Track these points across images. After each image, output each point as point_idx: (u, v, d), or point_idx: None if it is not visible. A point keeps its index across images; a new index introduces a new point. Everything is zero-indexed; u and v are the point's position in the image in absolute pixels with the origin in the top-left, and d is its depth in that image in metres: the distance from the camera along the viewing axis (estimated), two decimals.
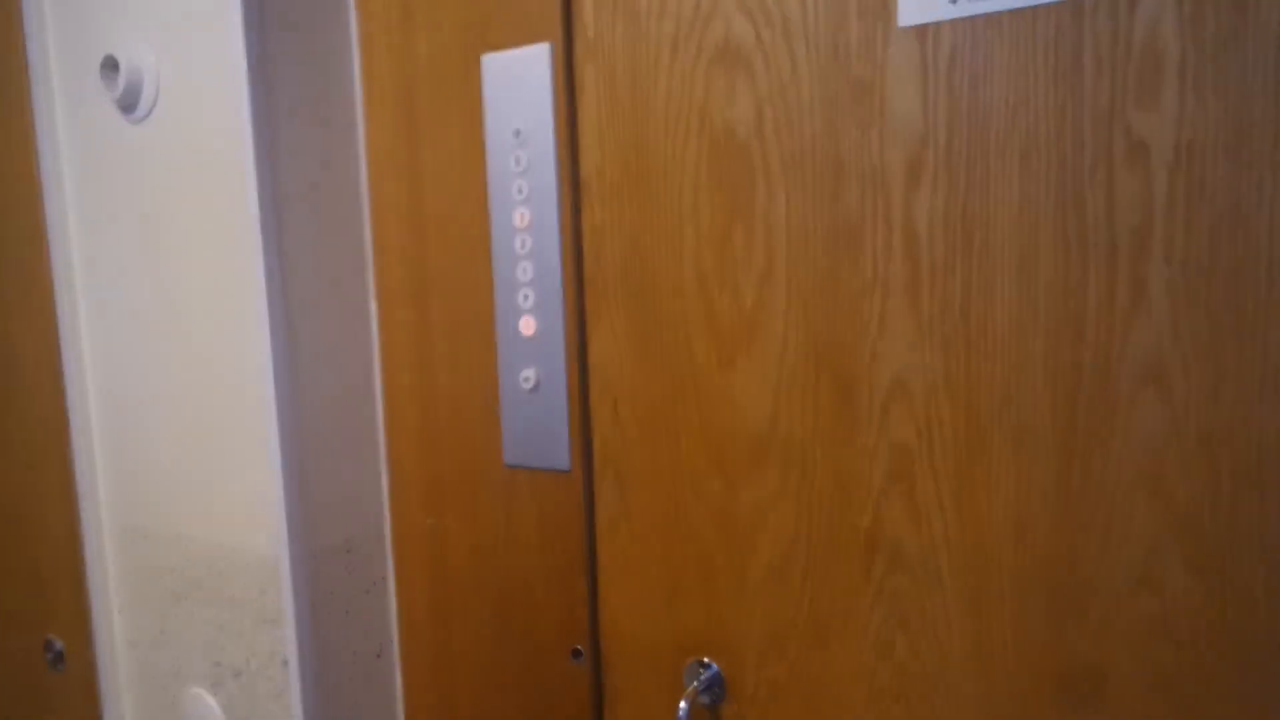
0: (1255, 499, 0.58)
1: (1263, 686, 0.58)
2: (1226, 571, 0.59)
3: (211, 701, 1.01)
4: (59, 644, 1.16)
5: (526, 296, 0.87)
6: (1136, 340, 0.60)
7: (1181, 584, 0.60)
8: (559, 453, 0.87)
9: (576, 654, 0.89)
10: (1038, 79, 0.62)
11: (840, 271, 0.71)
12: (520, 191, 0.85)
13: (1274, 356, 0.56)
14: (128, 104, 0.96)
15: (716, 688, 0.81)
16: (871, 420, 0.71)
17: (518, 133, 0.84)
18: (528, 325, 0.87)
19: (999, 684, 0.68)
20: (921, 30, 0.65)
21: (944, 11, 0.65)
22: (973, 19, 0.64)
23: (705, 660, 0.81)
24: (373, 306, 0.98)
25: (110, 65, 0.96)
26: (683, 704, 0.79)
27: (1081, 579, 0.64)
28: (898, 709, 0.72)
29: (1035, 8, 0.62)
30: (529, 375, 0.87)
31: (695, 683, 0.81)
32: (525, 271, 0.86)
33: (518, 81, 0.84)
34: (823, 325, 0.72)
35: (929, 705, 0.71)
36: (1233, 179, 0.57)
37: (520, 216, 0.86)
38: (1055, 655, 0.65)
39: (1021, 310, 0.64)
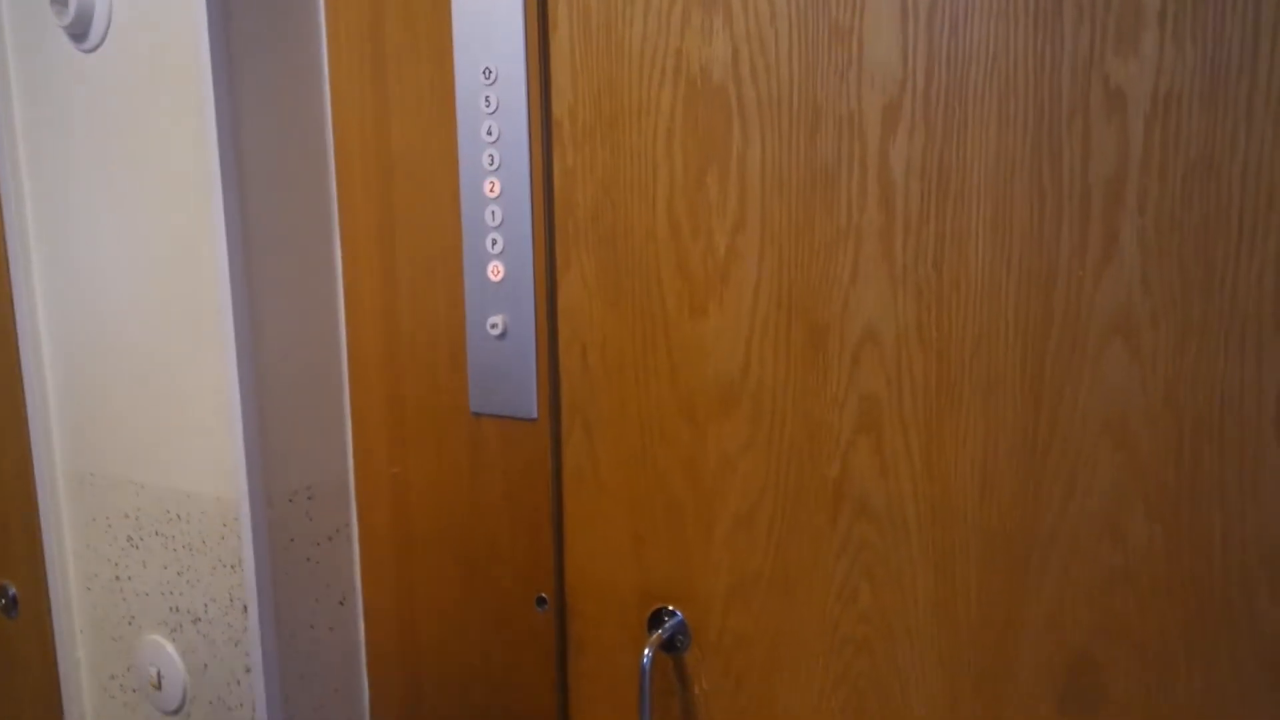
0: (1216, 449, 0.59)
1: (1217, 631, 0.60)
2: (1186, 521, 0.60)
3: (169, 647, 1.01)
4: (12, 589, 1.15)
5: (495, 241, 0.86)
6: (1107, 291, 0.61)
7: (1144, 534, 0.62)
8: (526, 401, 0.87)
9: (541, 602, 0.89)
10: (1017, 25, 0.62)
11: (814, 219, 0.71)
12: (490, 133, 0.84)
13: (1240, 308, 0.57)
14: (78, 32, 0.93)
15: (681, 636, 0.82)
16: (842, 370, 0.71)
17: (488, 72, 0.83)
18: (496, 271, 0.86)
19: (962, 634, 0.69)
20: None
21: None
22: None
23: (670, 609, 0.82)
24: (337, 249, 0.96)
25: None
26: (646, 651, 0.79)
27: (1046, 529, 0.65)
28: (861, 658, 0.74)
29: None
30: (496, 322, 0.87)
31: (659, 631, 0.82)
32: (494, 216, 0.85)
33: (488, 18, 0.82)
34: (796, 273, 0.72)
35: (892, 654, 0.72)
36: (1207, 129, 0.57)
37: (490, 159, 0.84)
38: (1019, 606, 0.67)
39: (994, 260, 0.65)
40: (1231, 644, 0.60)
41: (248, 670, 0.96)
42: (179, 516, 0.98)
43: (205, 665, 0.99)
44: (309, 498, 0.97)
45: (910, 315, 0.68)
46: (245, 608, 0.95)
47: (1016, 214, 0.63)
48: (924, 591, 0.70)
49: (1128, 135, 0.59)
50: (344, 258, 0.96)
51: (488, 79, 0.83)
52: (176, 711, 1.03)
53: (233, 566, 0.95)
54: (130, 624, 1.04)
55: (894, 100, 0.66)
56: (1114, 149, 0.60)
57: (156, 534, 1.00)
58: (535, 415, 0.87)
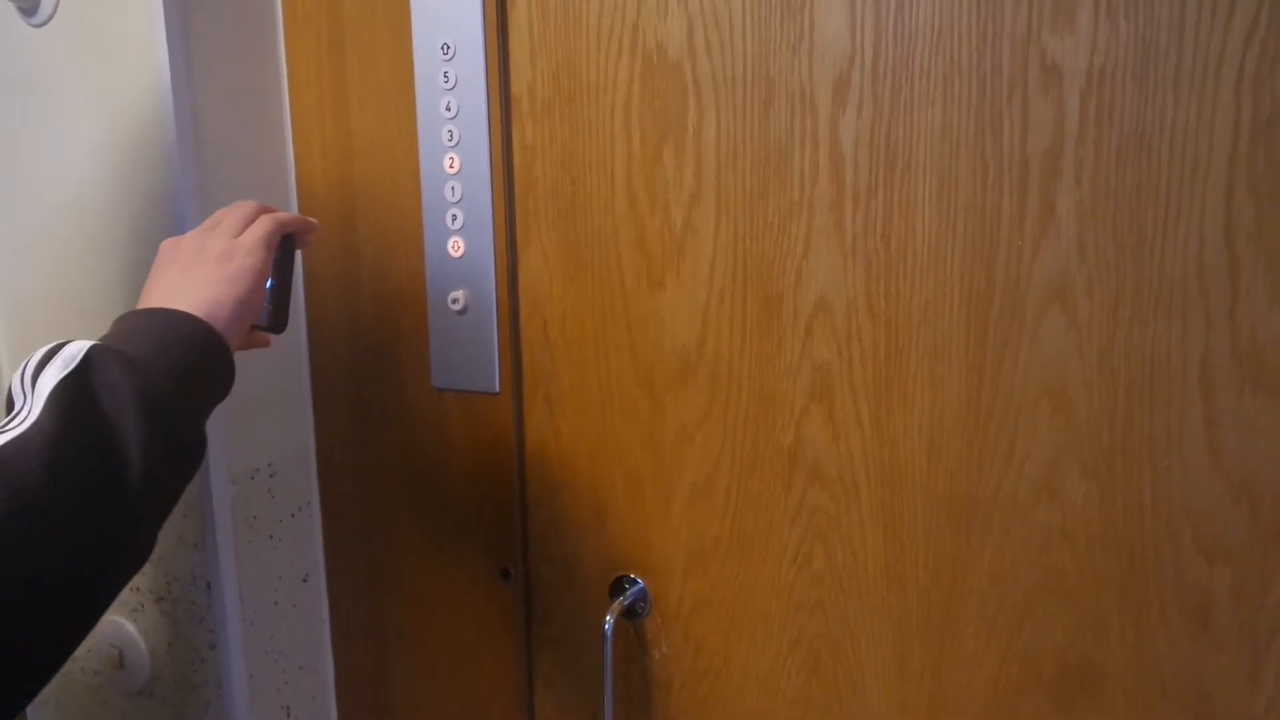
0: (1146, 410, 0.63)
1: (1146, 582, 0.64)
2: (1119, 479, 0.64)
3: (130, 627, 1.02)
4: None
5: (455, 217, 0.88)
6: (1045, 260, 0.65)
7: (1080, 492, 0.66)
8: (488, 375, 0.90)
9: (506, 574, 0.92)
10: (961, 2, 0.65)
11: (768, 192, 0.74)
12: (449, 109, 0.86)
13: (1168, 274, 0.61)
14: (27, 5, 0.94)
15: (641, 603, 0.85)
16: (796, 340, 0.75)
17: (446, 47, 0.85)
18: (456, 246, 0.89)
19: (910, 594, 0.73)
20: None
21: None
22: None
23: (631, 577, 0.86)
24: None
25: None
26: (608, 619, 0.83)
27: (988, 490, 0.69)
28: (815, 620, 0.78)
29: None
30: (458, 297, 0.89)
31: (621, 599, 0.85)
32: (454, 191, 0.88)
33: None
34: (751, 246, 0.75)
35: (844, 615, 0.76)
36: (1139, 103, 0.61)
37: (449, 134, 0.87)
38: (963, 565, 0.71)
39: (940, 232, 0.68)
40: (1160, 594, 0.64)
41: (213, 648, 0.98)
42: None
43: (169, 644, 1.01)
44: (271, 475, 0.99)
45: (860, 286, 0.71)
46: (209, 586, 0.97)
47: (960, 186, 0.67)
48: (874, 553, 0.74)
49: (1064, 109, 0.63)
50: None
51: (446, 54, 0.85)
52: (140, 692, 1.05)
53: (195, 545, 0.97)
54: None
55: (843, 75, 0.70)
56: (1051, 123, 0.63)
57: None
58: (497, 389, 0.89)
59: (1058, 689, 0.69)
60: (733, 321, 0.77)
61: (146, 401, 0.57)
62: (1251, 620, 0.62)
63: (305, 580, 1.03)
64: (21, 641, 0.52)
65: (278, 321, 0.78)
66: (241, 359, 0.91)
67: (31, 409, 0.54)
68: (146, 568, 1.00)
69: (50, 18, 0.94)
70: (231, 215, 0.72)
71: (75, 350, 0.57)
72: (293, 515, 1.01)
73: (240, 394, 0.94)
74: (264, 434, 0.98)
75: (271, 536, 1.00)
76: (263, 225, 0.71)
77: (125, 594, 1.02)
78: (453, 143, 0.87)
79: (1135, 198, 0.62)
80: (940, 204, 0.68)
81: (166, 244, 0.71)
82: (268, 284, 0.72)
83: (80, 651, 1.08)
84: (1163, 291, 0.62)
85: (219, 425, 0.92)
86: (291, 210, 0.98)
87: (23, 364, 0.57)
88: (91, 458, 0.54)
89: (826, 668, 0.77)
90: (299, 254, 0.82)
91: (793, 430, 0.76)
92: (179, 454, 0.61)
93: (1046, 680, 0.69)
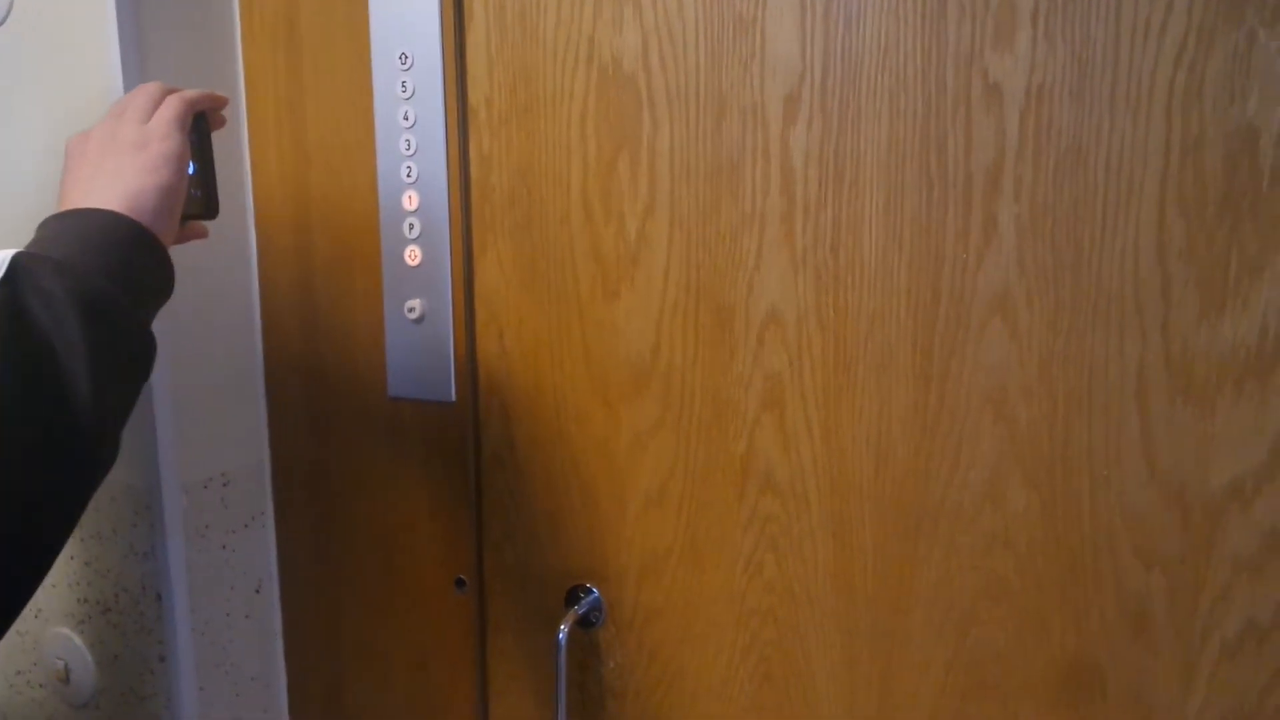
0: (1085, 418, 0.66)
1: (1086, 587, 0.67)
2: (1059, 486, 0.67)
3: (77, 640, 1.03)
4: None
5: (412, 226, 0.90)
6: (987, 273, 0.68)
7: (1021, 500, 0.69)
8: (444, 384, 0.91)
9: (460, 584, 0.94)
10: (906, 22, 0.68)
11: (721, 205, 0.76)
12: (407, 118, 0.88)
13: (1105, 286, 0.64)
14: None
15: (596, 612, 0.87)
16: (748, 350, 0.77)
17: (404, 56, 0.87)
18: (413, 255, 0.90)
19: (859, 601, 0.76)
20: None
21: None
22: None
23: (586, 586, 0.87)
24: (252, 235, 1.00)
25: None
26: (562, 628, 0.84)
27: (933, 498, 0.72)
28: (766, 628, 0.80)
29: None
30: (414, 306, 0.91)
31: (575, 608, 0.87)
32: (411, 200, 0.89)
33: (405, 3, 0.86)
34: (703, 257, 0.78)
35: (795, 623, 0.78)
36: (1076, 121, 0.64)
37: (406, 144, 0.89)
38: (910, 572, 0.73)
39: (887, 245, 0.71)
40: (1099, 599, 0.67)
41: (161, 659, 0.99)
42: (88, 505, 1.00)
43: (116, 656, 1.02)
44: (224, 484, 1.00)
45: (810, 297, 0.74)
46: (159, 596, 0.97)
47: (907, 200, 0.70)
48: (824, 561, 0.76)
49: (1004, 126, 0.66)
50: (259, 243, 0.99)
51: (404, 64, 0.87)
52: (86, 705, 1.05)
53: (145, 555, 0.98)
54: (36, 617, 1.06)
55: (794, 91, 0.72)
56: (992, 139, 0.66)
57: None
58: (453, 398, 0.91)
59: (1001, 694, 0.71)
60: (686, 331, 0.79)
61: (83, 304, 0.55)
62: (1186, 624, 0.65)
63: (258, 591, 1.04)
64: None
65: (209, 206, 0.76)
66: (195, 366, 0.93)
67: None
68: (93, 578, 1.01)
69: (3, 20, 0.95)
70: (136, 100, 0.69)
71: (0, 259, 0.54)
72: (246, 525, 1.02)
73: (193, 402, 0.95)
74: (217, 443, 0.99)
75: (224, 547, 1.00)
76: (171, 106, 0.68)
77: (74, 605, 1.03)
78: (410, 152, 0.89)
79: (1073, 213, 0.65)
80: (887, 217, 0.71)
81: (74, 140, 0.68)
82: (189, 169, 0.69)
83: (26, 664, 1.08)
84: (1100, 304, 0.65)
85: (172, 434, 0.93)
86: (247, 216, 0.99)
87: None
88: (35, 369, 0.53)
89: (778, 676, 0.80)
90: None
91: (745, 439, 0.78)
92: (126, 356, 0.60)
93: (990, 686, 0.72)
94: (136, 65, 0.87)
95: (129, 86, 0.86)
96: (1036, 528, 0.68)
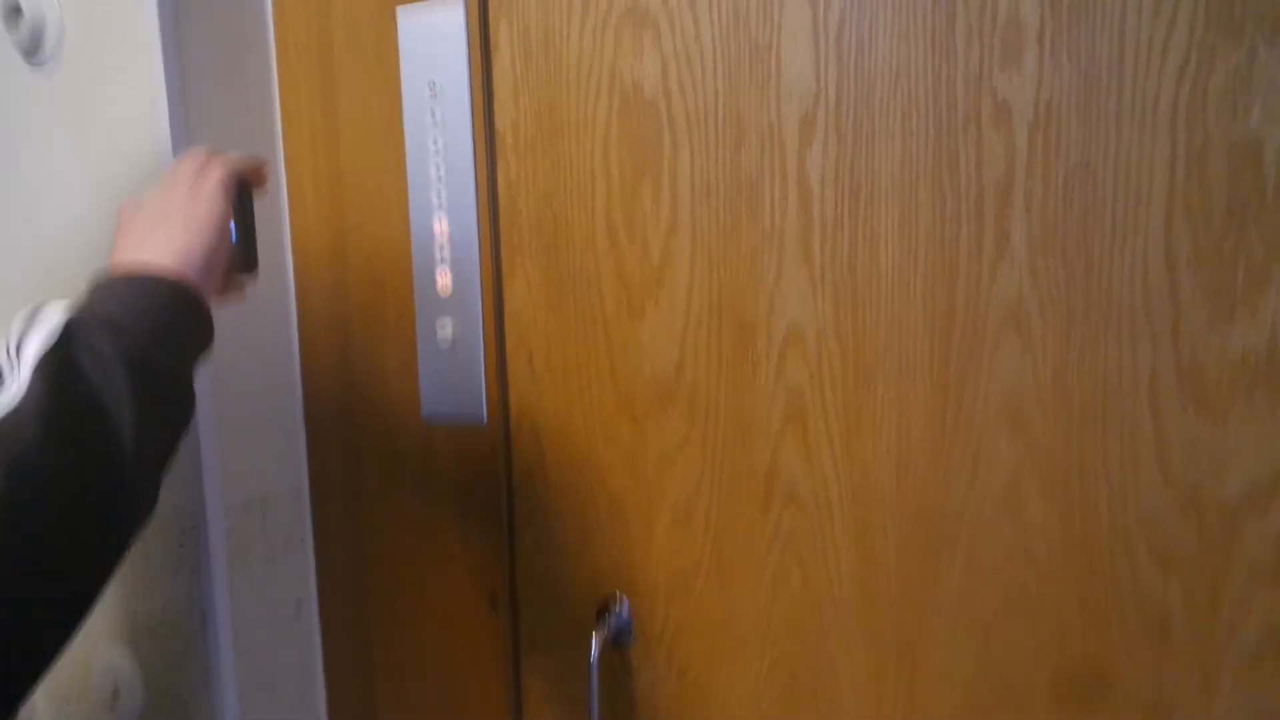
0: (1100, 428, 0.68)
1: (1105, 593, 0.69)
2: (1075, 494, 0.70)
3: (125, 661, 1.08)
4: None
5: (443, 251, 0.95)
6: (1001, 286, 0.70)
7: (1039, 509, 0.71)
8: (476, 406, 0.96)
9: (493, 603, 0.98)
10: (917, 44, 0.72)
11: (740, 225, 0.80)
12: (436, 145, 0.93)
13: (1116, 298, 0.67)
14: (29, 45, 1.01)
15: (626, 630, 0.90)
16: (769, 366, 0.80)
17: (433, 85, 0.92)
18: (444, 279, 0.95)
19: (883, 611, 0.78)
20: None
21: None
22: None
23: (616, 604, 0.91)
24: (289, 262, 1.05)
25: (13, 10, 1.01)
26: (594, 646, 0.88)
27: (954, 508, 0.74)
28: (792, 642, 0.82)
29: None
30: (445, 330, 0.95)
31: (606, 626, 0.90)
32: (441, 226, 0.94)
33: (433, 34, 0.91)
34: (725, 276, 0.81)
35: (820, 636, 0.81)
36: (1084, 136, 0.67)
37: (436, 169, 0.93)
38: (932, 582, 0.76)
39: (903, 260, 0.74)
40: (1119, 605, 0.69)
41: (206, 680, 1.03)
42: None
43: (162, 677, 1.06)
44: (264, 507, 1.04)
45: (829, 312, 0.77)
46: (203, 619, 1.02)
47: (921, 217, 0.73)
48: (848, 574, 0.79)
49: (1014, 142, 0.69)
50: (296, 273, 1.05)
51: (433, 93, 0.92)
52: None
53: (190, 578, 1.03)
54: (85, 636, 1.12)
55: (809, 113, 0.76)
56: (1003, 155, 0.69)
57: None
58: (485, 420, 0.95)
59: (1024, 703, 0.73)
60: (709, 348, 0.83)
61: (130, 362, 0.61)
62: (1207, 632, 0.67)
63: (297, 612, 1.09)
64: (36, 611, 0.56)
65: (248, 261, 0.83)
66: (238, 392, 0.98)
67: (20, 382, 0.58)
68: (140, 600, 1.06)
69: (51, 58, 1.02)
70: (184, 168, 0.77)
71: (54, 320, 0.61)
72: (285, 548, 1.07)
73: (234, 426, 1.00)
74: (257, 466, 1.04)
75: (265, 569, 1.05)
76: (215, 173, 0.76)
77: (119, 626, 1.08)
78: (439, 178, 0.93)
79: (1082, 225, 0.67)
80: (902, 233, 0.74)
81: (126, 205, 0.76)
82: (231, 230, 0.77)
83: (76, 684, 1.13)
84: (1111, 314, 0.67)
85: (217, 456, 0.98)
86: (284, 244, 1.04)
87: (4, 337, 0.62)
88: (84, 424, 0.59)
89: (805, 690, 0.82)
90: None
91: (769, 454, 0.81)
92: (169, 409, 0.66)
93: (1013, 695, 0.74)
94: (179, 100, 0.93)
95: (173, 121, 0.92)
96: (1055, 536, 0.71)
